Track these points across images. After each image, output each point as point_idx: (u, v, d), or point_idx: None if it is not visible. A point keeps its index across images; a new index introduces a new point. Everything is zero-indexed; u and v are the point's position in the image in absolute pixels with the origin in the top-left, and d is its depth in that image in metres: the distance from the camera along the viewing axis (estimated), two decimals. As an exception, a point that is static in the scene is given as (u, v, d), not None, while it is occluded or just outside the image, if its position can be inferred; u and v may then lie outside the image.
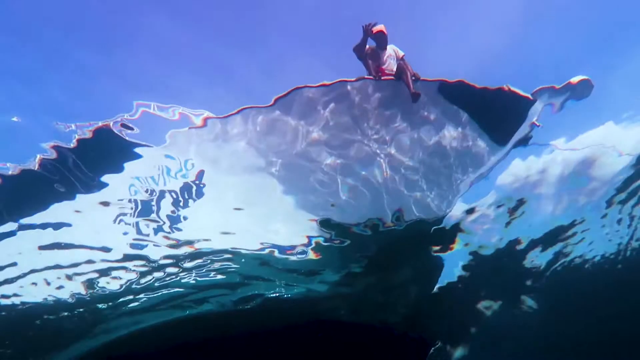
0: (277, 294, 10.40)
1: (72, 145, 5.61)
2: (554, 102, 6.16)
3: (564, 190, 8.75)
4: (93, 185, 6.33)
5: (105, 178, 6.29)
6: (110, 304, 9.57)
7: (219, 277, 9.34)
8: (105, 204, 6.68)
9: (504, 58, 5.54)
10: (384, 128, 6.41)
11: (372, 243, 8.99)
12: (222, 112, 5.64)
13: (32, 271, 7.94)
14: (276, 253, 8.74)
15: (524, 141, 7.09)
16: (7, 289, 8.36)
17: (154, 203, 6.85)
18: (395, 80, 5.75)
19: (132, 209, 6.92)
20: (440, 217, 8.56)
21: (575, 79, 5.72)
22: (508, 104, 6.01)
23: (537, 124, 6.52)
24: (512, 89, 5.74)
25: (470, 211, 8.81)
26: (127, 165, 6.11)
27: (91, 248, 7.59)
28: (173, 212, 7.12)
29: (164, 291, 9.44)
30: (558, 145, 7.54)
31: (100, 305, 9.58)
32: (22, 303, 8.94)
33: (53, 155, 5.69)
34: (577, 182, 8.55)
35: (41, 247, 7.31)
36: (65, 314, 9.57)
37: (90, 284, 8.62)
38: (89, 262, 7.90)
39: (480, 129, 6.52)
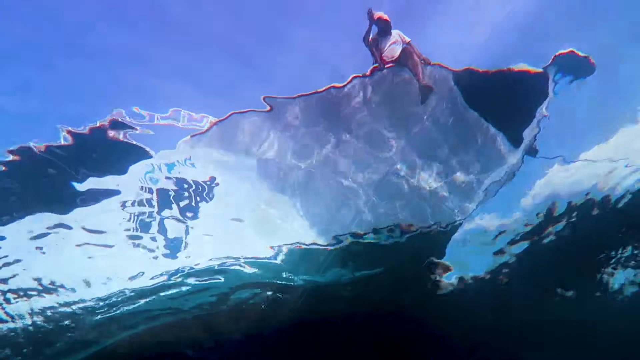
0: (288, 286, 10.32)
1: (85, 131, 5.76)
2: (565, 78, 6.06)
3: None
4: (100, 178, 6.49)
5: (112, 176, 6.47)
6: (114, 299, 9.59)
7: (230, 269, 9.37)
8: (111, 194, 6.81)
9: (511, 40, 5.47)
10: (395, 123, 6.45)
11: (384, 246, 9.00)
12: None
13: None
14: (285, 249, 8.76)
15: (534, 151, 7.04)
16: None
17: (168, 198, 7.02)
18: (399, 69, 5.78)
19: (141, 202, 7.05)
20: (456, 224, 8.52)
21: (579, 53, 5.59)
22: (518, 87, 5.97)
23: (546, 114, 6.42)
24: (517, 68, 5.71)
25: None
26: (139, 158, 6.27)
27: (94, 244, 7.71)
28: (186, 206, 7.27)
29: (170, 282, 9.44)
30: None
31: (111, 300, 9.59)
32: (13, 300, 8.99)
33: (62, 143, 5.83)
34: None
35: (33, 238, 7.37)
36: (64, 310, 9.59)
37: (89, 280, 8.70)
38: (90, 258, 8.00)
39: (493, 123, 6.49)
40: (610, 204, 8.67)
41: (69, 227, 7.24)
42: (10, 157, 5.89)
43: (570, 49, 5.45)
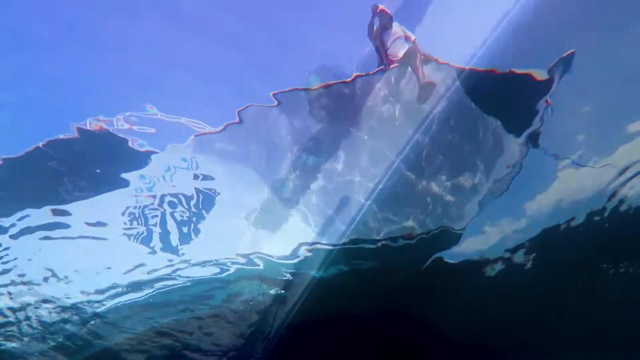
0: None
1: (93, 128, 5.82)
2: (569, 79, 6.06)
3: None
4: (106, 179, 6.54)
5: (117, 170, 6.55)
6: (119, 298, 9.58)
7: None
8: (115, 187, 6.85)
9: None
10: (397, 123, 6.50)
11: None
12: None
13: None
14: (287, 247, 8.78)
15: (535, 140, 7.03)
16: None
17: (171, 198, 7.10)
18: (404, 69, 5.82)
19: (145, 196, 7.09)
20: (459, 226, 8.48)
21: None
22: (522, 87, 6.01)
23: (548, 102, 6.33)
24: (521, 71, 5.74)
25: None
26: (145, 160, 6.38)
27: (95, 238, 7.72)
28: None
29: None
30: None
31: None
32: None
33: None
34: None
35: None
36: (64, 306, 9.54)
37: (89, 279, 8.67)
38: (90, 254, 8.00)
39: (495, 122, 6.52)
40: (618, 208, 8.65)
41: (70, 221, 7.27)
42: (19, 154, 5.97)
43: (573, 50, 5.51)
